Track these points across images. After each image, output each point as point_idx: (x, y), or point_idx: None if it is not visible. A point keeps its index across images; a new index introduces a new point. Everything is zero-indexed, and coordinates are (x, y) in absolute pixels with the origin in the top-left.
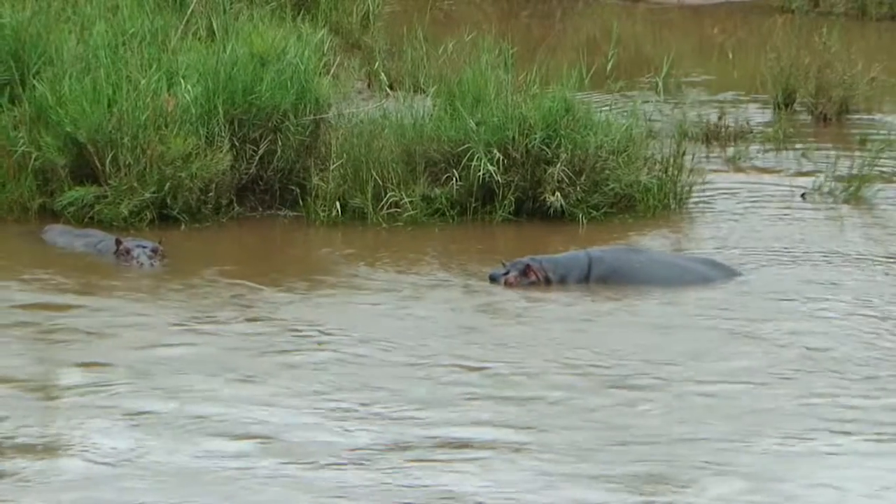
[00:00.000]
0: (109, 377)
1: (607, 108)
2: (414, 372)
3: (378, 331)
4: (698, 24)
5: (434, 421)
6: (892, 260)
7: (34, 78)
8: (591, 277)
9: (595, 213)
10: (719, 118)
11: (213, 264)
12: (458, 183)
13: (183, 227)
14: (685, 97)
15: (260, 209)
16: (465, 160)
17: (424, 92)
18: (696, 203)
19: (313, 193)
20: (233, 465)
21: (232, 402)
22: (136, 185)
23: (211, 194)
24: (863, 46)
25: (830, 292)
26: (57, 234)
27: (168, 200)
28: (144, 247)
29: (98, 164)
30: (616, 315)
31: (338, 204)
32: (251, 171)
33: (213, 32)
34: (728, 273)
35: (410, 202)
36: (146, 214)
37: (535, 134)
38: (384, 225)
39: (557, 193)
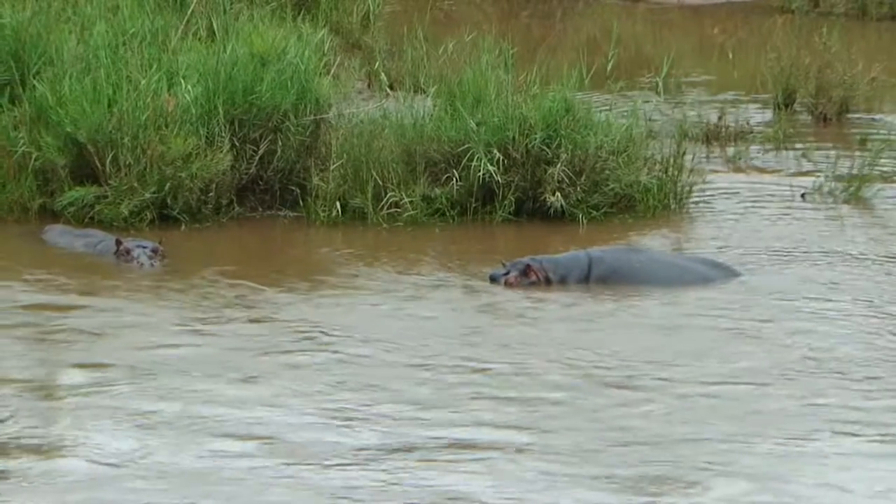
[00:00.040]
0: (112, 378)
1: (607, 108)
2: (417, 372)
3: (380, 331)
4: (698, 24)
5: (438, 422)
6: (892, 259)
7: (34, 78)
8: (592, 277)
9: (595, 213)
10: (719, 118)
11: (213, 264)
12: (459, 183)
13: (183, 227)
14: (685, 97)
15: (260, 209)
16: (465, 160)
17: (425, 92)
18: (697, 203)
19: (313, 193)
20: (237, 466)
21: (235, 403)
22: (136, 185)
23: (211, 194)
24: (863, 46)
25: (831, 292)
26: (57, 234)
27: (168, 200)
28: (145, 247)
29: (98, 165)
30: (617, 315)
31: (338, 204)
32: (251, 171)
33: (214, 32)
34: (728, 273)
35: (411, 202)
36: (146, 214)
37: (536, 134)
38: (384, 225)
39: (557, 193)
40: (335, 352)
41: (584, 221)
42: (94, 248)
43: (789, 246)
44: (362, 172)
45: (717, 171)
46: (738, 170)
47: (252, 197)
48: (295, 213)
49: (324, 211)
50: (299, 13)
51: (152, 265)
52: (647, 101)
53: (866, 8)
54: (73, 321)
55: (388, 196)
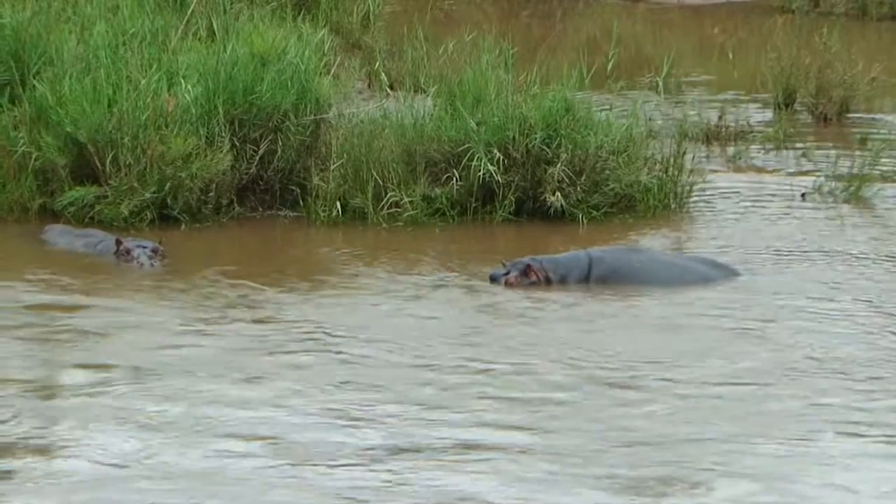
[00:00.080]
0: (116, 378)
1: (607, 108)
2: (420, 373)
3: (382, 331)
4: (699, 23)
5: (442, 422)
6: (893, 259)
7: (34, 78)
8: (592, 277)
9: (595, 213)
10: (720, 118)
11: (213, 264)
12: (459, 183)
13: (183, 227)
14: (685, 97)
15: (260, 209)
16: (465, 160)
17: (425, 92)
18: (697, 203)
19: (314, 193)
20: (242, 466)
21: (239, 403)
22: (136, 185)
23: (211, 194)
24: (863, 46)
25: (832, 292)
26: (57, 234)
27: (168, 200)
28: (145, 247)
29: (98, 165)
30: (619, 315)
31: (338, 204)
32: (251, 171)
33: (214, 32)
34: (728, 273)
35: (411, 202)
36: (146, 214)
37: (536, 134)
38: (384, 225)
39: (558, 193)
40: (338, 352)
41: (585, 221)
42: (94, 248)
43: (789, 246)
44: (362, 172)
45: (717, 171)
46: (738, 170)
47: (252, 197)
48: (295, 213)
49: (324, 211)
50: (299, 13)
51: (152, 265)
52: (648, 101)
53: (866, 8)
54: (75, 321)
55: (388, 196)
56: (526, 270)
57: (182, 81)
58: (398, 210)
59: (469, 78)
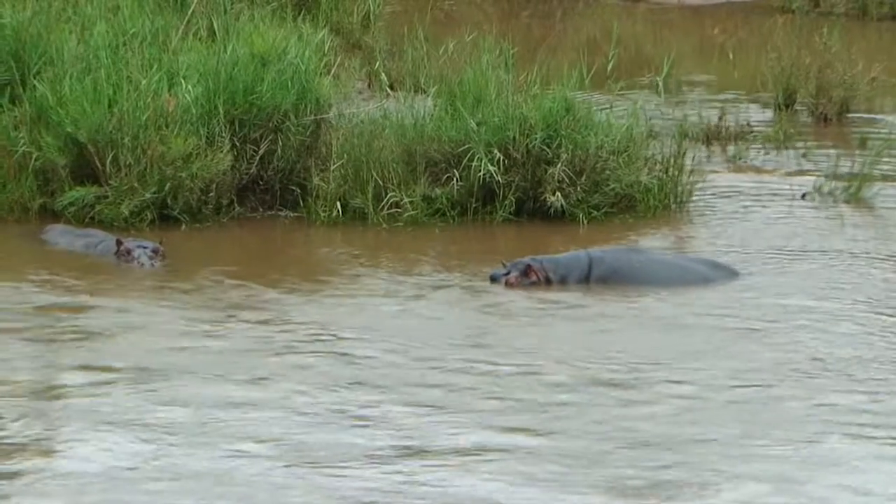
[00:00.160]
0: (122, 379)
1: (608, 108)
2: (426, 374)
3: (386, 332)
4: (699, 24)
5: (449, 424)
6: (893, 259)
7: (35, 78)
8: (592, 278)
9: (595, 213)
10: (720, 118)
11: (214, 265)
12: (459, 183)
13: (183, 227)
14: (686, 97)
15: (260, 209)
16: (465, 160)
17: (425, 92)
18: (697, 203)
19: (314, 194)
20: (251, 468)
21: (246, 405)
22: (136, 185)
23: (211, 194)
24: (863, 46)
25: (832, 292)
26: (58, 234)
27: (169, 201)
28: (145, 247)
29: (99, 165)
30: (621, 316)
31: (338, 204)
32: (252, 171)
33: (214, 33)
34: (728, 273)
35: (411, 202)
36: (147, 215)
37: (536, 134)
38: (385, 225)
39: (558, 193)
40: (344, 353)
41: (585, 221)
42: (94, 249)
43: (790, 246)
44: (363, 172)
45: (717, 171)
46: (738, 170)
47: (252, 197)
48: (295, 214)
49: (324, 211)
50: (300, 13)
51: (153, 265)
52: (648, 102)
53: (867, 8)
54: (79, 322)
55: (388, 196)
56: (526, 270)
57: (182, 82)
58: (398, 210)
59: (469, 78)
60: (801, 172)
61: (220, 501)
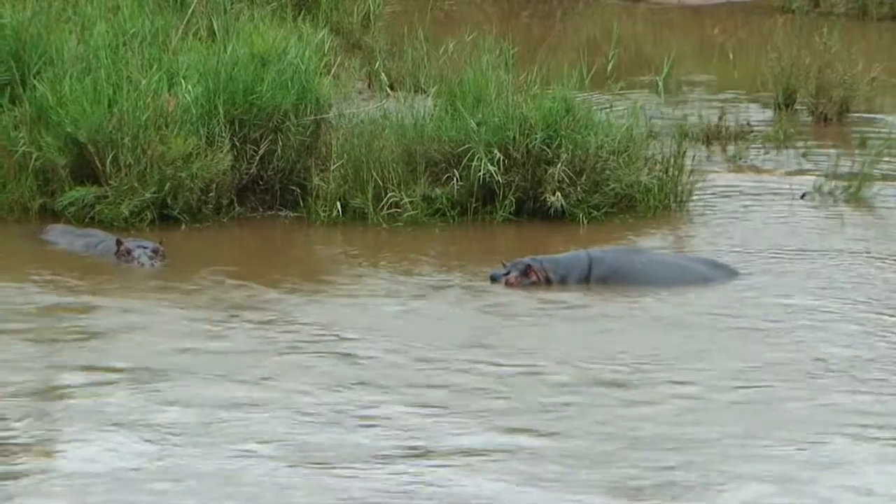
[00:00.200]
0: (126, 380)
1: (608, 108)
2: (429, 375)
3: (388, 333)
4: (699, 24)
5: (453, 424)
6: (893, 259)
7: (35, 78)
8: (592, 278)
9: (596, 213)
10: (720, 118)
11: (214, 265)
12: (459, 183)
13: (183, 227)
14: (686, 97)
15: (260, 209)
16: (465, 160)
17: (425, 92)
18: (697, 203)
19: (314, 194)
20: (257, 468)
21: (250, 405)
22: (136, 185)
23: (211, 194)
24: (863, 46)
25: (832, 292)
26: (58, 234)
27: (169, 201)
28: (145, 247)
29: (99, 165)
30: (623, 316)
31: (338, 204)
32: (252, 171)
33: (214, 33)
34: (728, 273)
35: (411, 202)
36: (147, 215)
37: (536, 134)
38: (385, 225)
39: (558, 193)
40: (347, 354)
41: (585, 221)
42: (94, 249)
43: (790, 246)
44: (363, 172)
45: (717, 171)
46: (738, 170)
47: (252, 197)
48: (295, 214)
49: (324, 211)
50: (300, 13)
51: (153, 265)
52: (648, 102)
53: (867, 8)
54: (80, 323)
55: (388, 196)
56: (526, 270)
57: (182, 81)
58: (398, 210)
59: (469, 78)
60: (801, 172)
61: (226, 502)
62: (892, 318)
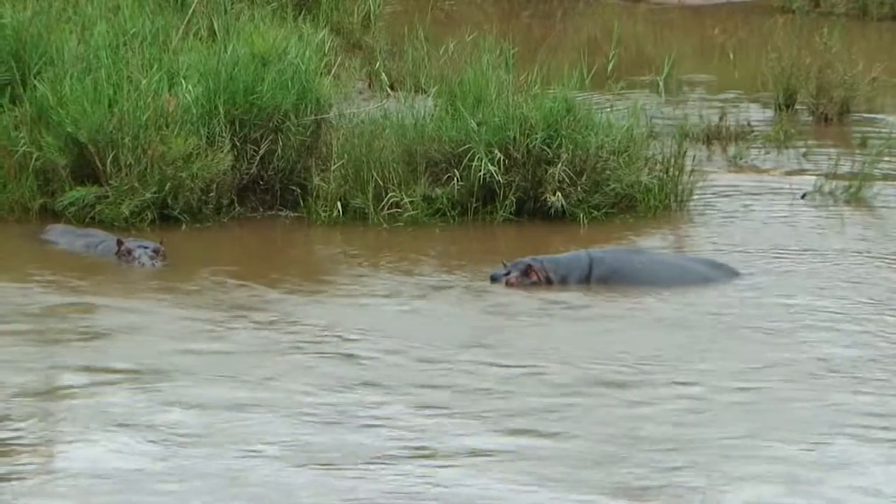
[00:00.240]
0: (127, 380)
1: (608, 108)
2: (433, 376)
3: (390, 333)
4: (699, 24)
5: (457, 425)
6: (893, 259)
7: (35, 78)
8: (592, 278)
9: (596, 213)
10: (720, 118)
11: (215, 265)
12: (459, 183)
13: (184, 227)
14: (686, 97)
15: (261, 209)
16: (466, 160)
17: (425, 92)
18: (697, 203)
19: (314, 194)
20: (261, 470)
21: (253, 406)
22: (137, 185)
23: (212, 194)
24: (864, 47)
25: (832, 292)
26: (58, 234)
27: (169, 201)
28: (146, 247)
29: (99, 165)
30: (624, 316)
31: (339, 204)
32: (252, 171)
33: (214, 33)
34: (728, 273)
35: (411, 202)
36: (147, 215)
37: (537, 134)
38: (385, 225)
39: (558, 193)
40: (348, 354)
41: (585, 221)
42: (95, 249)
43: (790, 246)
44: (363, 172)
45: (717, 171)
46: (738, 170)
47: (253, 197)
48: (296, 214)
49: (324, 211)
50: (300, 13)
51: (153, 265)
52: (648, 102)
53: (867, 8)
54: (82, 323)
55: (388, 196)
56: (527, 271)
57: (183, 81)
58: (399, 210)
59: (470, 78)
60: (802, 172)
61: (232, 502)
62: (894, 318)
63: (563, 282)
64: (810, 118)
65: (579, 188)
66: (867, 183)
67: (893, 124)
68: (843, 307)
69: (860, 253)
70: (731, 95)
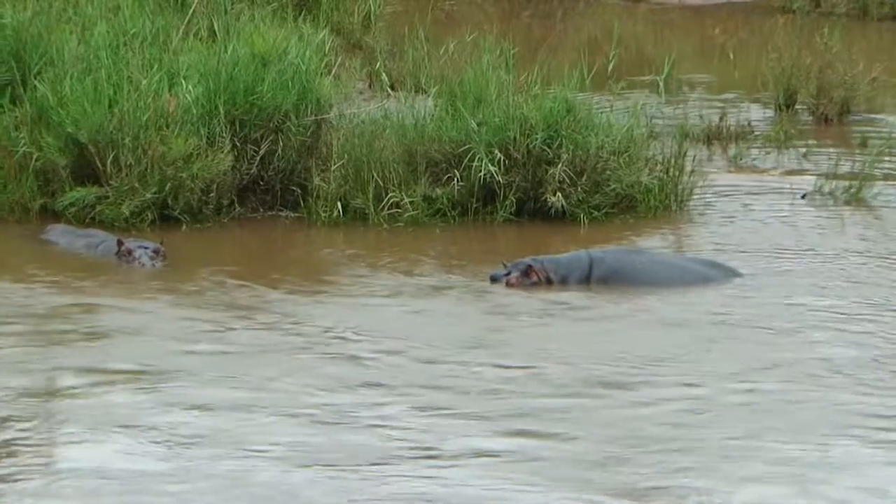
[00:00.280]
0: (130, 381)
1: (608, 108)
2: (435, 377)
3: (392, 334)
4: (699, 24)
5: (460, 426)
6: (893, 259)
7: (35, 78)
8: (593, 278)
9: (596, 213)
10: (720, 119)
11: (215, 265)
12: (460, 183)
13: (184, 227)
14: (686, 97)
15: (261, 210)
16: (466, 160)
17: (426, 92)
18: (697, 204)
19: (314, 194)
20: (266, 471)
21: (255, 406)
22: (137, 185)
23: (212, 195)
24: (864, 47)
25: (833, 292)
26: (59, 234)
27: (169, 201)
28: (146, 247)
29: (99, 165)
30: (625, 317)
31: (339, 204)
32: (252, 171)
33: (215, 33)
34: (728, 274)
35: (411, 203)
36: (147, 215)
37: (537, 134)
38: (385, 225)
39: (559, 194)
40: (350, 355)
41: (586, 222)
42: (95, 249)
43: (790, 246)
44: (363, 173)
45: (717, 172)
46: (738, 170)
47: (253, 197)
48: (296, 214)
49: (325, 211)
50: (300, 13)
51: (154, 266)
52: (648, 102)
53: (867, 8)
54: (84, 323)
55: (388, 196)
56: (527, 271)
57: (183, 82)
58: (399, 210)
59: (470, 78)
60: (802, 172)
61: (239, 502)
62: (894, 318)
63: (564, 282)
64: (810, 118)
65: (579, 188)
66: (867, 183)
67: (893, 124)
68: (843, 307)
69: (860, 253)
70: (732, 95)
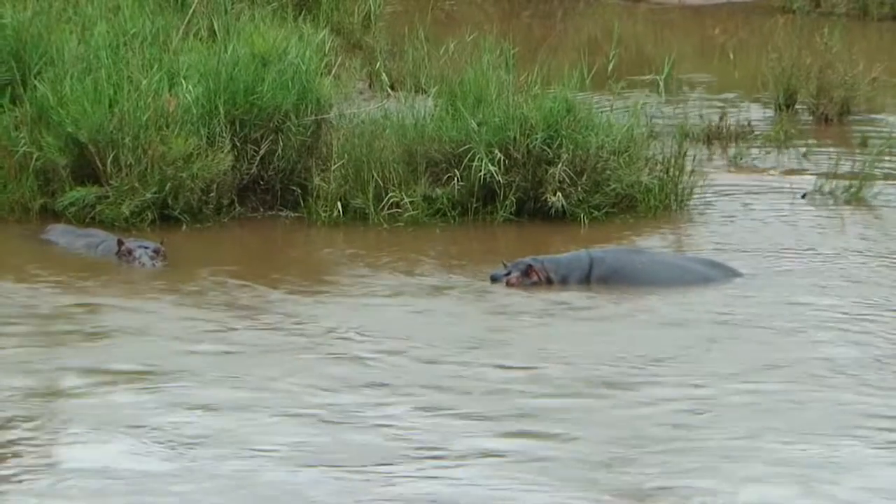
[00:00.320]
0: (132, 382)
1: (608, 108)
2: (437, 377)
3: (394, 334)
4: (699, 24)
5: (464, 426)
6: (893, 259)
7: (35, 78)
8: (593, 278)
9: (596, 213)
10: (720, 118)
11: (215, 265)
12: (460, 183)
13: (184, 227)
14: (686, 97)
15: (261, 210)
16: (466, 160)
17: (426, 92)
18: (697, 203)
19: (314, 194)
20: (271, 471)
21: (258, 406)
22: (137, 185)
23: (212, 195)
24: (864, 47)
25: (833, 292)
26: (59, 234)
27: (169, 201)
28: (146, 247)
29: (99, 165)
30: (626, 317)
31: (339, 204)
32: (252, 171)
33: (215, 33)
34: (728, 273)
35: (412, 202)
36: (147, 215)
37: (537, 134)
38: (385, 225)
39: (559, 193)
40: (351, 355)
41: (586, 221)
42: (95, 249)
43: (790, 246)
44: (363, 173)
45: (717, 171)
46: (739, 170)
47: (253, 197)
48: (296, 214)
49: (325, 211)
50: (300, 13)
51: (154, 265)
52: (648, 102)
53: (867, 8)
54: (85, 323)
55: (389, 196)
56: (527, 271)
57: (183, 82)
58: (399, 210)
59: (470, 78)
60: (802, 172)
61: (244, 503)
62: (895, 318)
63: (564, 282)
64: (810, 118)
65: (579, 188)
66: (868, 183)
67: (894, 124)
68: (843, 307)
69: (861, 252)
70: (732, 95)
